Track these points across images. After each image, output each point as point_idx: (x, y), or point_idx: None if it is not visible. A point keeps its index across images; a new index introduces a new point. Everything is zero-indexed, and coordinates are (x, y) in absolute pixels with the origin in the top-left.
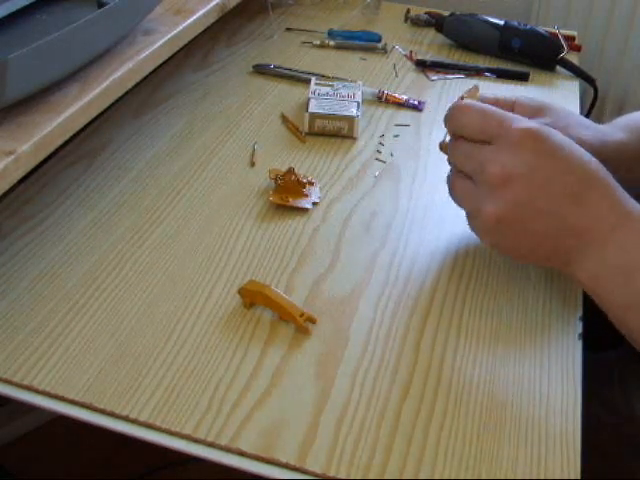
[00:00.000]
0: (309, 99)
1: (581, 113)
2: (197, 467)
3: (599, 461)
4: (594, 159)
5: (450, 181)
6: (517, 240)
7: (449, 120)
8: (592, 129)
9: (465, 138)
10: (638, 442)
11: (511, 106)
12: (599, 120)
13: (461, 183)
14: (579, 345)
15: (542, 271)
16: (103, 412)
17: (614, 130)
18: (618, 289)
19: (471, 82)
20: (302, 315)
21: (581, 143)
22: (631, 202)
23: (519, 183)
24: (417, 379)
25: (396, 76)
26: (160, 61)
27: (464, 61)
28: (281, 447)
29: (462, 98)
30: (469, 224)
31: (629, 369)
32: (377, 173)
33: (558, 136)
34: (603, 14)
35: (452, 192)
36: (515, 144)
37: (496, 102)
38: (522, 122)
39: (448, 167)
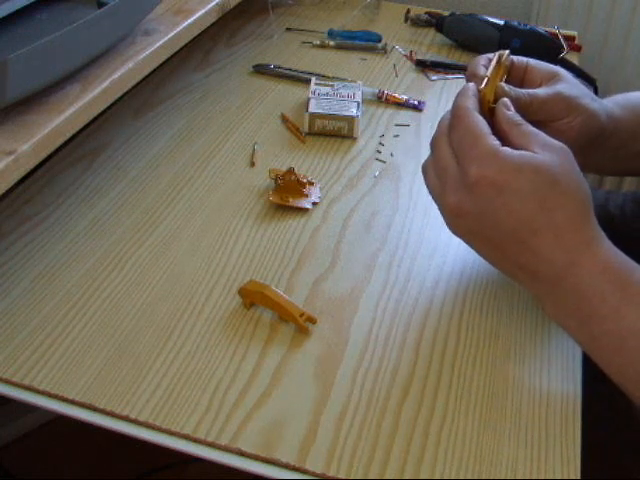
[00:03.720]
0: (309, 99)
1: None
2: (197, 467)
3: (599, 461)
4: (551, 197)
5: (426, 163)
6: (480, 250)
7: (451, 116)
8: (599, 102)
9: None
10: (638, 442)
11: (524, 69)
12: None
13: (432, 179)
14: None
15: None
16: (103, 412)
17: (613, 106)
18: (575, 331)
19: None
20: (302, 315)
21: (592, 114)
22: (591, 241)
23: (470, 219)
24: (417, 379)
25: (396, 76)
26: (160, 61)
27: (464, 61)
28: (281, 447)
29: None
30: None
31: None
32: (377, 173)
33: (515, 180)
34: (603, 14)
35: (424, 176)
36: (470, 184)
37: (511, 66)
38: (485, 165)
39: None
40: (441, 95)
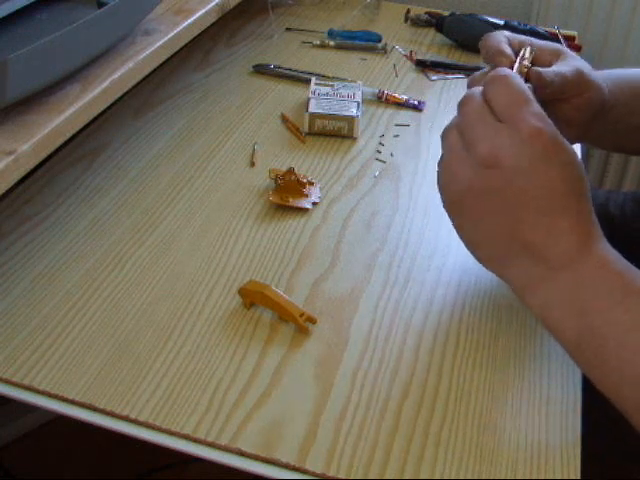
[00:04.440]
0: (309, 99)
1: None
2: (197, 467)
3: (598, 461)
4: (582, 186)
5: (449, 126)
6: (471, 223)
7: (487, 82)
8: (600, 76)
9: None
10: (637, 442)
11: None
12: None
13: (454, 136)
14: None
15: None
16: (103, 412)
17: (607, 80)
18: (560, 322)
19: None
20: (302, 315)
21: (599, 88)
22: (598, 238)
23: (499, 173)
24: (417, 379)
25: (396, 76)
26: (160, 61)
27: (464, 61)
28: (281, 447)
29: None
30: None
31: None
32: (377, 173)
33: (562, 153)
34: (603, 14)
35: (443, 137)
36: (520, 137)
37: (512, 44)
38: (538, 120)
39: None
40: (441, 95)
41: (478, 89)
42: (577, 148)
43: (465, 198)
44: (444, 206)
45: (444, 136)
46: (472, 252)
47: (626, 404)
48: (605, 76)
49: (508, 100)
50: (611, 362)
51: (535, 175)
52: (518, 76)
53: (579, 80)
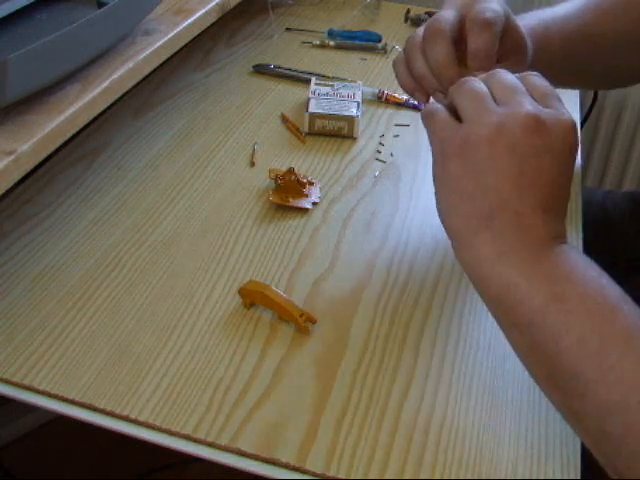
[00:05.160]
0: (309, 99)
1: (581, 114)
2: (197, 467)
3: (598, 461)
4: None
5: (432, 109)
6: (473, 174)
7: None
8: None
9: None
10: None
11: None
12: (598, 122)
13: (444, 116)
14: None
15: None
16: (103, 412)
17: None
18: (535, 297)
19: None
20: (302, 315)
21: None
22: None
23: (537, 137)
24: (417, 379)
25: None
26: (160, 61)
27: None
28: (281, 447)
29: None
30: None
31: None
32: (377, 173)
33: (560, 137)
34: None
35: (427, 119)
36: (561, 126)
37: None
38: (534, 106)
39: None
40: None
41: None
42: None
43: (483, 145)
44: (444, 150)
45: (427, 116)
46: (450, 207)
47: (531, 372)
48: (530, 26)
49: (505, 85)
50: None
51: (560, 161)
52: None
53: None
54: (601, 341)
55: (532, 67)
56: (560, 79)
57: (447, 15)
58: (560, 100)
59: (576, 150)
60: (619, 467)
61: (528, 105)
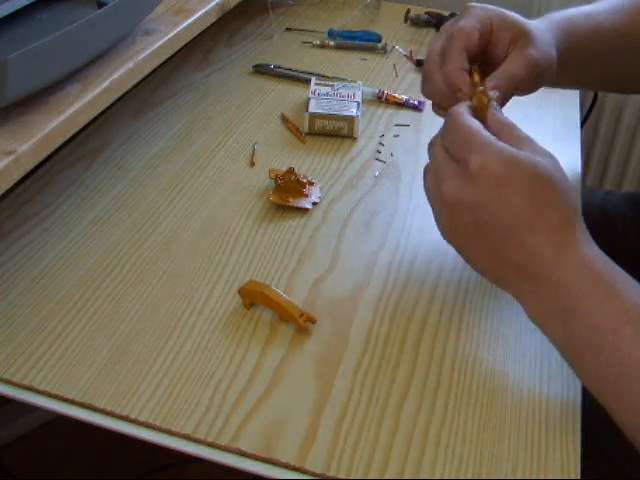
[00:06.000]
0: (309, 99)
1: (581, 114)
2: (197, 467)
3: (598, 461)
4: (546, 196)
5: (425, 166)
6: (462, 254)
7: (443, 125)
8: (549, 42)
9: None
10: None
11: (489, 32)
12: (598, 122)
13: (429, 174)
14: None
15: None
16: (103, 412)
17: (564, 39)
18: (554, 329)
19: None
20: (302, 315)
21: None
22: (577, 243)
23: (466, 209)
24: (417, 379)
25: (396, 76)
26: (160, 61)
27: None
28: (281, 447)
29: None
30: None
31: None
32: (377, 173)
33: (514, 173)
34: None
35: (424, 179)
36: (471, 174)
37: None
38: (483, 153)
39: None
40: None
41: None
42: (576, 148)
43: (448, 236)
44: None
45: (424, 178)
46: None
47: (608, 405)
48: (557, 39)
49: (455, 142)
50: (590, 365)
51: (494, 204)
52: (465, 112)
53: (529, 76)
54: None
55: (560, 64)
56: (588, 78)
57: (466, 23)
58: (471, 137)
59: (504, 174)
60: None
61: (445, 187)
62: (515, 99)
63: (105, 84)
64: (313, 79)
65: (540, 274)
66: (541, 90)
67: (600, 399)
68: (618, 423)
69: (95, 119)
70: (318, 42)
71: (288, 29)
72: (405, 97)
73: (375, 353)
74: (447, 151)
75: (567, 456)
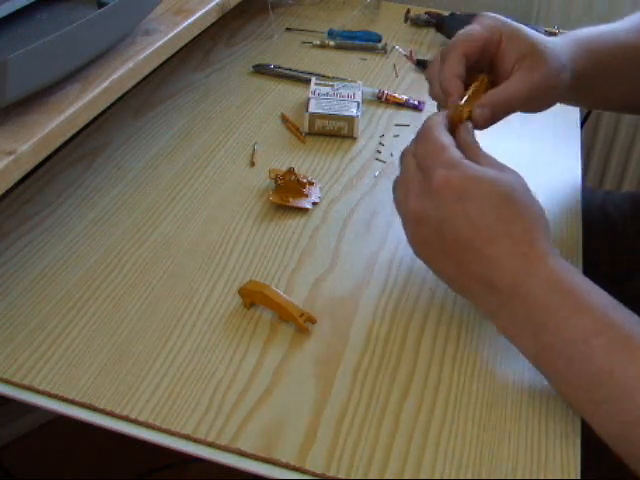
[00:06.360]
0: (309, 99)
1: (581, 114)
2: (197, 467)
3: (598, 461)
4: (511, 209)
5: (395, 178)
6: (430, 267)
7: (418, 131)
8: (563, 60)
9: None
10: None
11: (497, 44)
12: (598, 122)
13: (399, 186)
14: None
15: None
16: (103, 412)
17: (585, 65)
18: (526, 343)
19: None
20: (302, 315)
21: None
22: (543, 256)
23: (430, 225)
24: (417, 379)
25: (396, 76)
26: (160, 61)
27: None
28: (281, 447)
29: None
30: None
31: None
32: (377, 173)
33: (476, 188)
34: (603, 14)
35: (393, 190)
36: (433, 189)
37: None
38: (446, 168)
39: None
40: None
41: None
42: (577, 148)
43: (416, 250)
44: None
45: (393, 189)
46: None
47: (585, 414)
48: (572, 57)
49: (424, 153)
50: (563, 376)
51: (457, 219)
52: (440, 124)
53: (530, 98)
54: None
55: (579, 84)
56: (610, 97)
57: (471, 30)
58: (439, 151)
59: (465, 188)
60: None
61: (411, 201)
62: None
63: (105, 84)
64: (313, 79)
65: (507, 287)
66: None
67: (575, 408)
68: (596, 431)
69: (95, 119)
70: (318, 42)
71: (288, 29)
72: (405, 97)
73: (375, 353)
74: (416, 162)
75: (567, 456)
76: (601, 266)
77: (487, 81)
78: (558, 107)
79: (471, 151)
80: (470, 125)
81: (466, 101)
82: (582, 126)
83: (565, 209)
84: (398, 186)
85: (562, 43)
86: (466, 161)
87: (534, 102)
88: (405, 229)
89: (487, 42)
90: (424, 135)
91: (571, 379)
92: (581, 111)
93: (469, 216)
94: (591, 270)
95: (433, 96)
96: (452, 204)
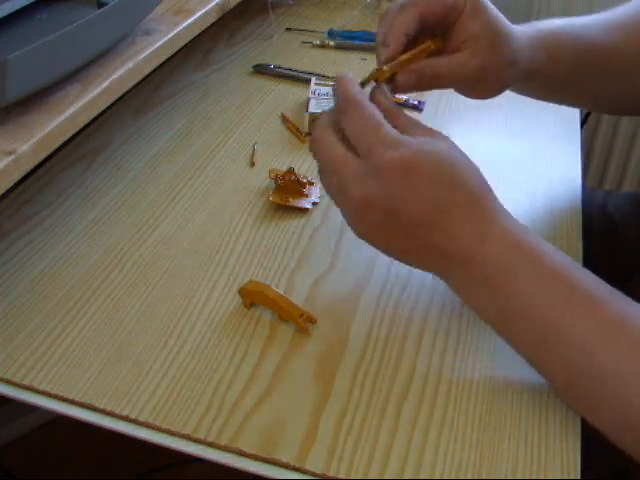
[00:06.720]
0: (309, 99)
1: (581, 114)
2: (197, 467)
3: (598, 461)
4: (455, 181)
5: (318, 168)
6: (382, 248)
7: (338, 112)
8: (519, 39)
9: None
10: None
11: (462, 9)
12: (598, 122)
13: (327, 175)
14: None
15: None
16: (103, 412)
17: (539, 51)
18: (484, 305)
19: None
20: (302, 315)
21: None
22: (497, 220)
23: (379, 208)
24: (417, 379)
25: None
26: (160, 61)
27: None
28: (281, 447)
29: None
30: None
31: None
32: None
33: (421, 163)
34: None
35: (321, 181)
36: (378, 170)
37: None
38: (388, 148)
39: None
40: (441, 95)
41: (328, 119)
42: (576, 147)
43: (359, 232)
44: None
45: (321, 181)
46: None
47: (544, 370)
48: (529, 38)
49: (357, 132)
50: (523, 334)
51: (407, 197)
52: (364, 98)
53: (467, 81)
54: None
55: (530, 74)
56: (568, 93)
57: None
58: (376, 129)
59: (412, 166)
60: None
61: (353, 190)
62: (515, 99)
63: (105, 84)
64: (313, 79)
65: (464, 252)
66: None
67: (536, 368)
68: (556, 390)
69: (95, 119)
70: (318, 42)
71: (288, 29)
72: (405, 97)
73: (375, 353)
74: (343, 138)
75: (567, 456)
76: (602, 267)
77: (432, 48)
78: (558, 107)
79: (396, 119)
80: (385, 88)
81: (400, 62)
82: (582, 126)
83: (565, 209)
84: (326, 172)
85: (523, 34)
86: (405, 137)
87: (470, 88)
88: (347, 218)
89: (450, 8)
90: (350, 110)
91: (531, 339)
92: (581, 111)
93: (419, 192)
94: (591, 270)
95: (376, 44)
96: (401, 183)
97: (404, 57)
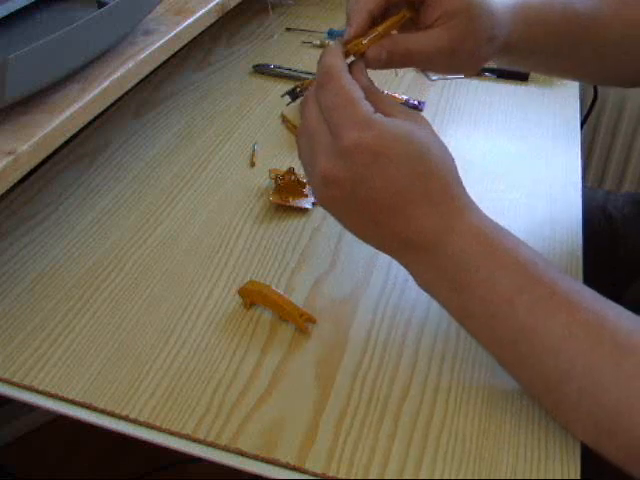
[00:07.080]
0: None
1: (581, 114)
2: (197, 467)
3: (598, 461)
4: (426, 168)
5: (298, 129)
6: (347, 228)
7: (316, 84)
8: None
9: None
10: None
11: None
12: (598, 122)
13: (303, 139)
14: None
15: None
16: (103, 412)
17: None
18: (446, 298)
19: (471, 83)
20: (302, 315)
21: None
22: (463, 212)
23: (342, 186)
24: (417, 379)
25: (396, 76)
26: (160, 61)
27: None
28: (281, 447)
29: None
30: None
31: None
32: None
33: (390, 147)
34: None
35: (297, 143)
36: (344, 150)
37: None
38: (357, 129)
39: None
40: (441, 95)
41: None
42: (576, 147)
43: (325, 206)
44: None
45: (297, 142)
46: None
47: (508, 367)
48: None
49: (331, 105)
50: (486, 331)
51: (372, 181)
52: (343, 72)
53: (440, 60)
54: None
55: (512, 45)
56: (550, 63)
57: None
58: (347, 106)
59: (379, 150)
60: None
61: (319, 163)
62: (514, 99)
63: (105, 84)
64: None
65: (428, 244)
66: (541, 90)
67: (501, 365)
68: (522, 387)
69: (95, 119)
70: (318, 42)
71: (288, 29)
72: (405, 97)
73: (375, 353)
74: (320, 110)
75: (567, 456)
76: (602, 267)
77: (406, 18)
78: (558, 107)
79: (373, 95)
80: (362, 64)
81: (375, 36)
82: (582, 126)
83: (565, 209)
84: (301, 137)
85: (506, 7)
86: (377, 117)
87: (445, 66)
88: (312, 187)
89: None
90: (327, 82)
91: (495, 336)
92: (581, 111)
93: (385, 177)
94: (592, 271)
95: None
96: (366, 166)
97: (382, 28)
